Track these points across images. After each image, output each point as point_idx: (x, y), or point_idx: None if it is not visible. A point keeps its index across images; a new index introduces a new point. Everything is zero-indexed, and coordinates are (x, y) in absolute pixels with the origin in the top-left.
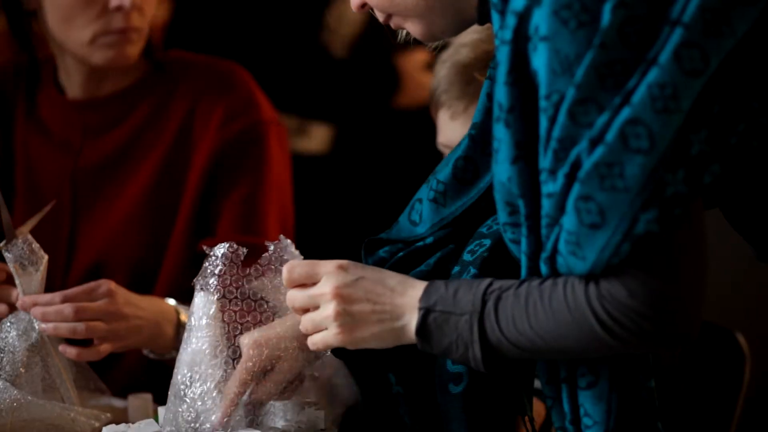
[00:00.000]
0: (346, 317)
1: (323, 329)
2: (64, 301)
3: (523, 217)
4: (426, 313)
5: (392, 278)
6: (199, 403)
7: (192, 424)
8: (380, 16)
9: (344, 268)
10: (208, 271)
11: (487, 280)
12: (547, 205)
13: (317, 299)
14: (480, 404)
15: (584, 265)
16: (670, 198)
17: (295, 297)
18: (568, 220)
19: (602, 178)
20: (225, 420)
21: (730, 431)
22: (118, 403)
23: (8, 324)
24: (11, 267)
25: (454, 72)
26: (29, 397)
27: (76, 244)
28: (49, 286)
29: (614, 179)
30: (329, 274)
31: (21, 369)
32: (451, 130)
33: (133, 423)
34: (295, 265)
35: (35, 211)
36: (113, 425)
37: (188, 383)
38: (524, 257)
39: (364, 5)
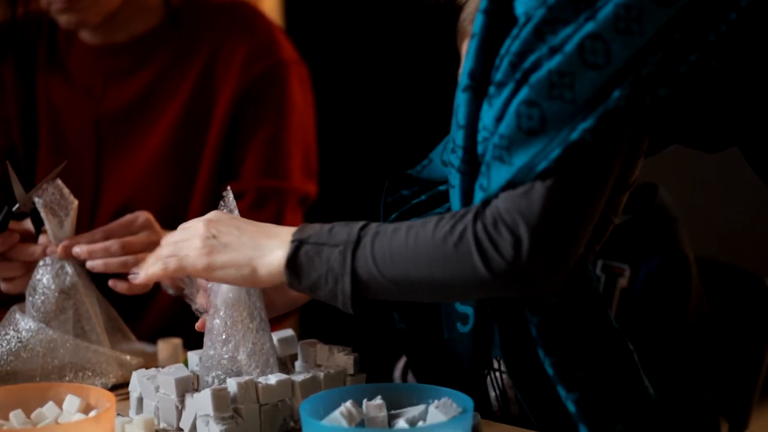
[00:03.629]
0: (211, 240)
1: (181, 255)
2: (106, 237)
3: (461, 149)
4: (298, 245)
5: (267, 224)
6: (231, 345)
7: (228, 366)
8: None
9: (222, 213)
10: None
11: (365, 221)
12: (486, 117)
13: (188, 230)
14: (485, 341)
15: (508, 171)
16: (610, 112)
17: (164, 247)
18: (505, 125)
19: (552, 86)
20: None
21: (759, 377)
22: (148, 348)
23: (41, 267)
24: (42, 213)
25: None
26: (63, 339)
27: (101, 189)
28: (77, 231)
29: (563, 89)
30: (209, 213)
31: (54, 312)
32: None
33: (163, 368)
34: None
35: (60, 159)
36: (143, 370)
37: (222, 325)
38: (452, 191)
39: None
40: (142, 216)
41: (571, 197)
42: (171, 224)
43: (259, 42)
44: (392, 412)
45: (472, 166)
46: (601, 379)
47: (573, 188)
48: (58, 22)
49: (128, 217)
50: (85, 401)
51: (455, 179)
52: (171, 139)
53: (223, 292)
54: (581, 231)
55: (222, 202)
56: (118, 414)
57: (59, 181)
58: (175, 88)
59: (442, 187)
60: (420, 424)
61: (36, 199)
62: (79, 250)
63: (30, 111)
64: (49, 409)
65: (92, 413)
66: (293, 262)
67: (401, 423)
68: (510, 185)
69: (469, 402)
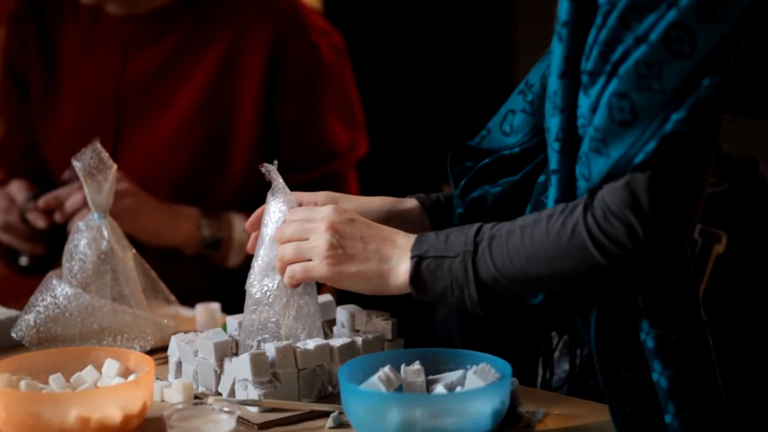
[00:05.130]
0: (337, 249)
1: (306, 260)
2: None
3: (561, 132)
4: (419, 260)
5: (383, 226)
6: (272, 311)
7: (265, 332)
8: None
9: (340, 210)
10: (279, 185)
11: (477, 224)
12: (583, 106)
13: (309, 231)
14: (554, 314)
15: (607, 163)
16: (702, 100)
17: (287, 226)
18: (598, 117)
19: (640, 77)
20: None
21: None
22: (186, 312)
23: (78, 232)
24: (80, 176)
25: None
26: (100, 303)
27: (118, 160)
28: None
29: (651, 80)
30: (324, 211)
31: (91, 277)
32: None
33: (201, 332)
34: (295, 210)
35: (83, 132)
36: (182, 334)
37: (267, 288)
38: (554, 176)
39: None
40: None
41: (673, 185)
42: (190, 198)
43: (285, 14)
44: (430, 377)
45: (573, 147)
46: (693, 363)
47: (674, 177)
48: None
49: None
50: (124, 365)
51: (556, 162)
52: (193, 113)
53: (264, 256)
54: (691, 212)
55: (273, 185)
56: (157, 378)
57: (98, 145)
58: (197, 60)
59: (505, 152)
60: (458, 389)
61: (75, 163)
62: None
63: (52, 84)
64: (88, 372)
65: (131, 377)
66: (417, 278)
67: (439, 388)
68: (611, 176)
69: (507, 367)
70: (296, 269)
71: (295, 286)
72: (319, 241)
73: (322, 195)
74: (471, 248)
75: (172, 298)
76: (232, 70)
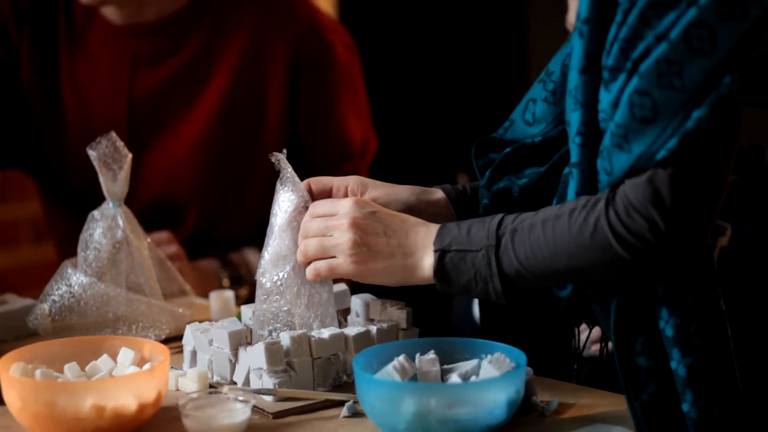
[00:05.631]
0: (362, 247)
1: (330, 257)
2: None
3: (582, 126)
4: (442, 254)
5: (405, 217)
6: (284, 300)
7: (277, 321)
8: None
9: (361, 203)
10: (288, 174)
11: (498, 216)
12: (604, 101)
13: (332, 229)
14: (579, 305)
15: (628, 159)
16: (724, 98)
17: (311, 223)
18: (620, 114)
19: (661, 75)
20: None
21: None
22: (200, 301)
23: (93, 221)
24: (96, 166)
25: None
26: (115, 293)
27: (138, 174)
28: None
29: (672, 77)
30: (346, 206)
31: (106, 266)
32: None
33: (216, 321)
34: (317, 203)
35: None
36: (197, 323)
37: (277, 278)
38: (575, 169)
39: None
40: (164, 235)
41: (695, 181)
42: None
43: (303, 15)
44: (445, 366)
45: (594, 140)
46: (712, 352)
47: (695, 173)
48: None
49: (154, 236)
50: (140, 354)
51: (577, 155)
52: (214, 123)
53: (274, 246)
54: (712, 207)
55: (281, 174)
56: (172, 367)
57: (113, 134)
58: (213, 69)
59: (527, 141)
60: (473, 378)
61: (90, 152)
62: None
63: (54, 92)
64: (103, 361)
65: (146, 366)
66: (440, 271)
67: (454, 377)
68: (632, 172)
69: (522, 357)
70: (321, 267)
71: (314, 280)
72: (342, 239)
73: (353, 179)
74: (493, 242)
75: (187, 287)
76: (254, 76)
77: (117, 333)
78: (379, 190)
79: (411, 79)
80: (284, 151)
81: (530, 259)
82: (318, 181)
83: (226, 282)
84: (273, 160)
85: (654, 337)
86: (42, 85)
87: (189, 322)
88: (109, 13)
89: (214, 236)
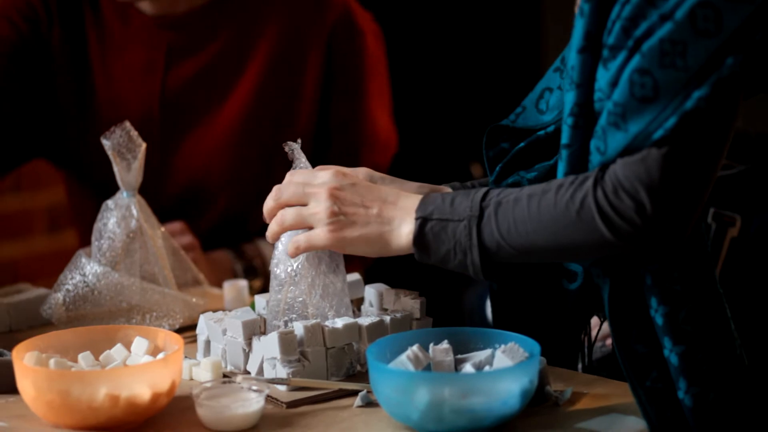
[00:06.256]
0: (339, 216)
1: (307, 226)
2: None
3: (576, 107)
4: (423, 222)
5: (385, 189)
6: (298, 291)
7: (292, 311)
8: None
9: (341, 173)
10: (302, 164)
11: (484, 189)
12: (602, 80)
13: (309, 196)
14: (588, 301)
15: (624, 138)
16: (725, 79)
17: (287, 187)
18: (618, 92)
19: (664, 55)
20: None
21: None
22: (214, 291)
23: (107, 210)
24: (110, 155)
25: None
26: (129, 282)
27: (168, 164)
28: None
29: (675, 57)
30: (325, 176)
31: (120, 256)
32: None
33: (229, 311)
34: (296, 171)
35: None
36: (210, 312)
37: (290, 269)
38: (565, 150)
39: None
40: (177, 225)
41: (688, 163)
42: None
43: (336, 3)
44: (458, 356)
45: (587, 122)
46: (705, 338)
47: (690, 154)
48: None
49: (168, 226)
50: (153, 343)
51: (568, 137)
52: (247, 114)
53: (288, 236)
54: (702, 192)
55: (294, 164)
56: (186, 356)
57: (128, 124)
58: (248, 59)
59: (540, 133)
60: (486, 368)
61: (104, 142)
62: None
63: (85, 85)
64: (117, 351)
65: (160, 355)
66: (420, 239)
67: (467, 367)
68: (626, 151)
69: (535, 347)
70: (300, 240)
71: (294, 255)
72: (319, 208)
73: (362, 171)
74: (476, 213)
75: (201, 276)
76: (289, 64)
77: (131, 322)
78: (389, 184)
79: (425, 69)
80: (299, 141)
81: (512, 233)
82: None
83: (241, 275)
84: (287, 149)
85: (648, 325)
86: (73, 78)
87: (203, 312)
88: (143, 5)
89: (242, 226)
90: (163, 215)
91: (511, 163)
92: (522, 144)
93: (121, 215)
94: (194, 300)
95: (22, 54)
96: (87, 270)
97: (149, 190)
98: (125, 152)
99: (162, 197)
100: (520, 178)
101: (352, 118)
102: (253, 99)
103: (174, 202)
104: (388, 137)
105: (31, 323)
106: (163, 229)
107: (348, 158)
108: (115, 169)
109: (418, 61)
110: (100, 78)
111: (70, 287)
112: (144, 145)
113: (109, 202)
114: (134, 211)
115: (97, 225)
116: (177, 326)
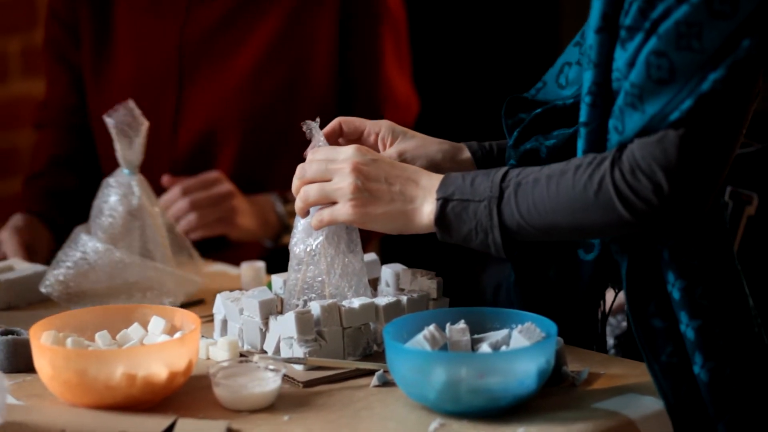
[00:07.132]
0: (363, 192)
1: (331, 201)
2: (183, 193)
3: (594, 86)
4: (444, 203)
5: (407, 166)
6: (318, 270)
7: (312, 291)
8: None
9: (363, 150)
10: (320, 143)
11: (504, 169)
12: (620, 60)
13: (333, 172)
14: (605, 272)
15: (641, 119)
16: (741, 61)
17: (310, 165)
18: (635, 74)
19: (680, 37)
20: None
21: None
22: (231, 270)
23: (108, 187)
24: (112, 133)
25: None
26: (129, 259)
27: (182, 113)
28: (156, 155)
29: (691, 39)
30: (348, 152)
31: (121, 233)
32: None
33: (246, 291)
34: (317, 149)
35: (143, 86)
36: (227, 292)
37: (306, 249)
38: (583, 129)
39: None
40: (213, 175)
41: (705, 144)
42: (259, 145)
43: None
44: (475, 336)
45: (605, 101)
46: (721, 313)
47: (706, 136)
48: None
49: (203, 176)
50: (170, 323)
51: (586, 115)
52: (263, 62)
53: (304, 220)
54: (718, 173)
55: (312, 143)
56: (203, 336)
57: (131, 102)
58: (265, 9)
59: (558, 102)
60: (503, 348)
61: (107, 120)
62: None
63: (107, 45)
64: (134, 330)
65: (177, 335)
66: (442, 219)
67: (484, 347)
68: (644, 132)
69: (552, 327)
70: (324, 214)
71: (318, 228)
72: (343, 183)
73: (384, 125)
74: (497, 194)
75: (194, 252)
76: (305, 17)
77: (131, 300)
78: (409, 142)
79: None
80: (317, 119)
81: (532, 213)
82: (349, 122)
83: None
84: (304, 128)
85: (665, 300)
86: (96, 31)
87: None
88: None
89: (255, 180)
90: (174, 167)
91: (529, 128)
92: (539, 110)
93: (123, 193)
94: (194, 277)
95: None
96: (88, 247)
97: (162, 141)
98: (128, 129)
99: (175, 145)
100: (539, 144)
101: (367, 72)
102: (267, 49)
103: (184, 149)
104: (408, 100)
105: (29, 300)
106: (161, 205)
107: (364, 115)
108: (117, 146)
109: (440, 29)
110: (121, 27)
111: (70, 264)
112: (146, 124)
113: (110, 180)
114: (135, 189)
115: (97, 202)
116: (178, 303)
